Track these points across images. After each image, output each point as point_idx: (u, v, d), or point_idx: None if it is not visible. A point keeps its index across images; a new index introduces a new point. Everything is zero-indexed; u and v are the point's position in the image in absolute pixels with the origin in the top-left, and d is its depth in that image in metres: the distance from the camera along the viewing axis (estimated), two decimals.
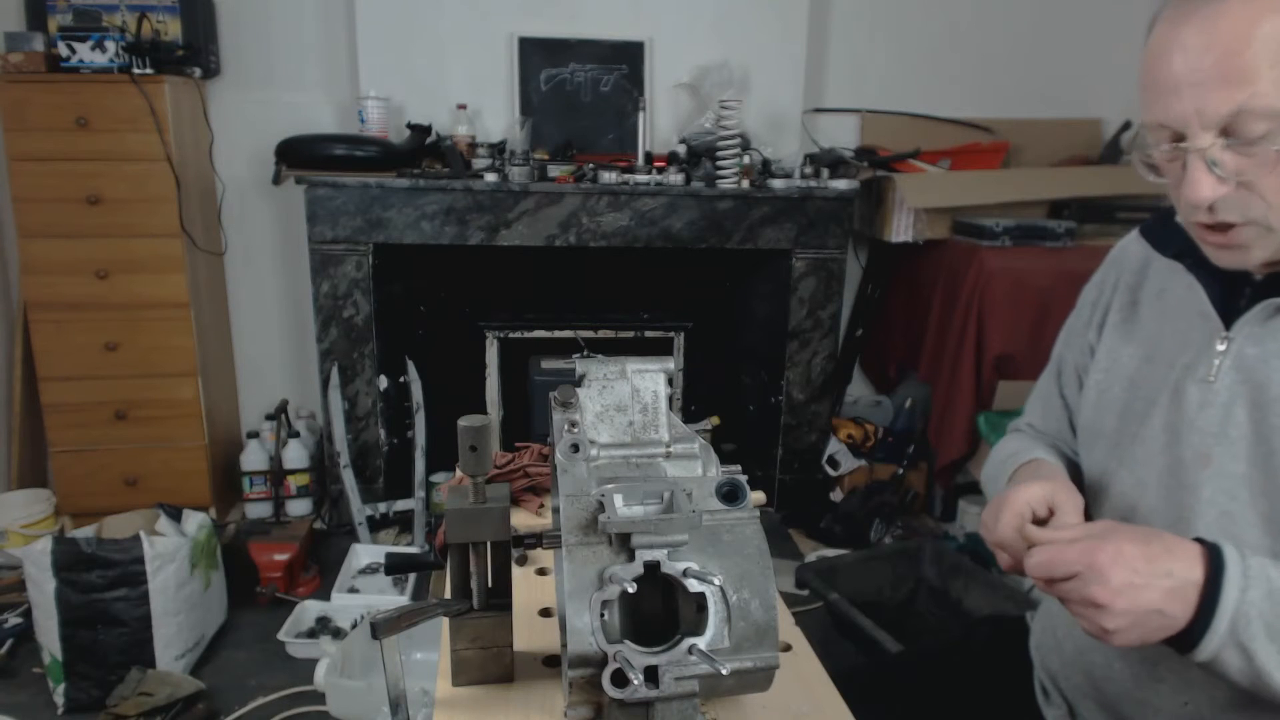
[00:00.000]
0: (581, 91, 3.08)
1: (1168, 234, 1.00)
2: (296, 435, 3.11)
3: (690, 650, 0.70)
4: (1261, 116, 0.77)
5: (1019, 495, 0.93)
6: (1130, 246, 1.08)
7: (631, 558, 0.70)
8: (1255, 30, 0.76)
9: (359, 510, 2.85)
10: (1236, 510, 0.87)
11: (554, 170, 2.85)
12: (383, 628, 0.80)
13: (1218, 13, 0.78)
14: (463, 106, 2.97)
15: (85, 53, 2.59)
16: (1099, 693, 1.01)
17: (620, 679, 0.69)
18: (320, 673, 2.07)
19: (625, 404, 0.80)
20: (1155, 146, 0.86)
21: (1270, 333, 0.88)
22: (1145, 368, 0.99)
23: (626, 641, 0.71)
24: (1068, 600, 0.82)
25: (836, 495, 3.17)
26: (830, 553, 2.80)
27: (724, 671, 0.69)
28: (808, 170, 2.95)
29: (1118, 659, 0.98)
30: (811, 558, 2.74)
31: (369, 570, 2.63)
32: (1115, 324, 1.05)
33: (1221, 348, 0.91)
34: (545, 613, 1.00)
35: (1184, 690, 0.92)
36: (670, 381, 0.84)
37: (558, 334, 2.95)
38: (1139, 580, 0.78)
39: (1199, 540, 0.81)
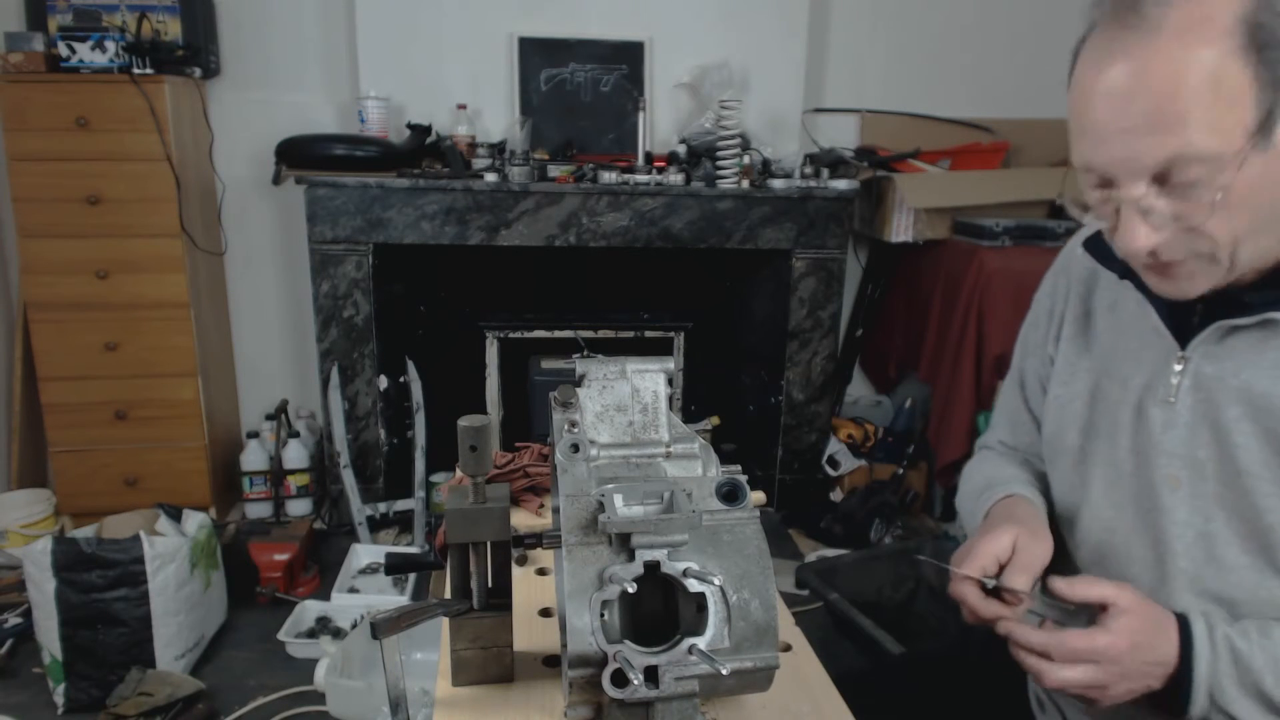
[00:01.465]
0: (581, 91, 3.07)
1: (1111, 249, 0.96)
2: (296, 435, 3.11)
3: (690, 650, 0.70)
4: (1195, 161, 0.74)
5: (983, 549, 0.93)
6: (1077, 252, 1.04)
7: (631, 558, 0.70)
8: (1185, 73, 0.73)
9: (359, 510, 2.85)
10: (1214, 530, 0.87)
11: (554, 170, 2.85)
12: (383, 628, 0.80)
13: (1144, 54, 0.74)
14: (463, 106, 2.97)
15: (85, 53, 2.59)
16: (1093, 706, 1.01)
17: (620, 679, 0.69)
18: (320, 673, 2.07)
19: (625, 404, 0.80)
20: (1086, 187, 0.83)
21: (1226, 351, 0.87)
22: (1104, 383, 0.98)
23: (626, 641, 0.71)
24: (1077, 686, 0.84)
25: (836, 495, 3.17)
26: (830, 553, 2.80)
27: (724, 671, 0.69)
28: (808, 170, 2.95)
29: None
30: (811, 558, 2.74)
31: (369, 570, 2.63)
32: (1070, 336, 1.03)
33: (1179, 368, 0.90)
34: (545, 613, 1.00)
35: (1180, 704, 0.92)
36: (670, 381, 0.84)
37: (558, 334, 2.95)
38: (1145, 666, 0.82)
39: (1174, 613, 0.85)
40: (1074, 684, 0.83)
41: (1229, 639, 0.82)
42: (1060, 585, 0.86)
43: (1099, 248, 0.98)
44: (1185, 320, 0.90)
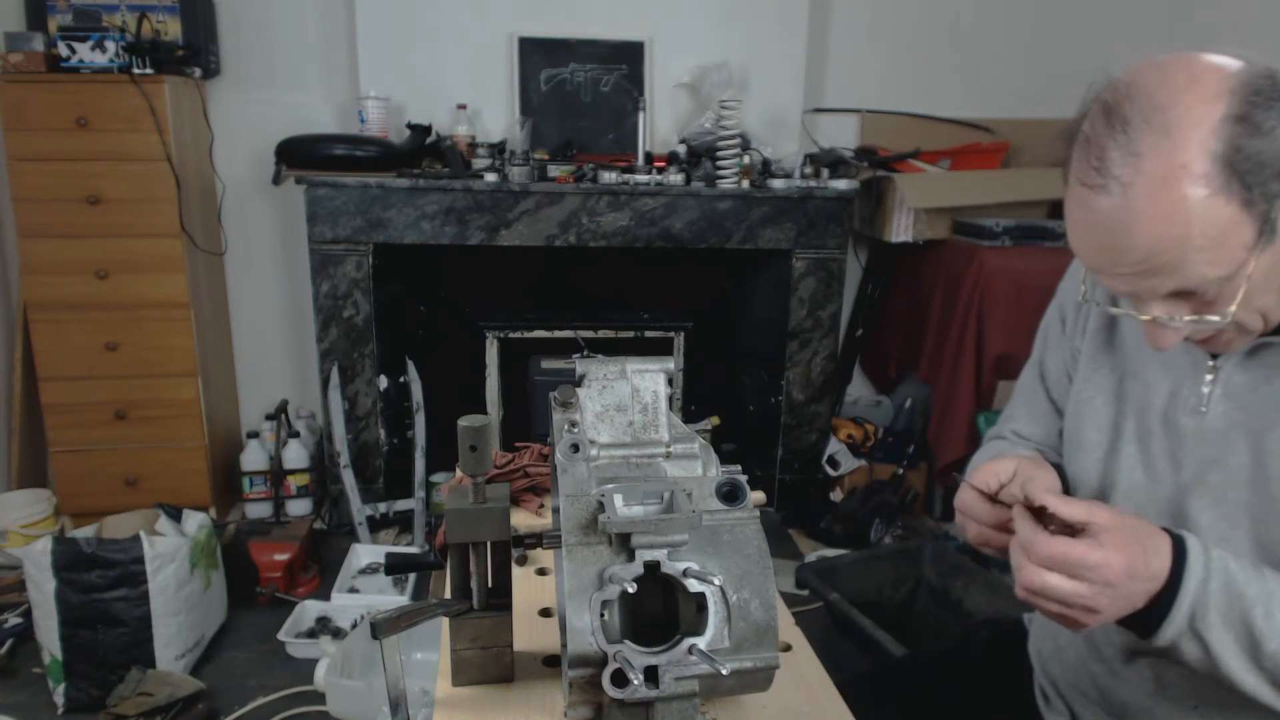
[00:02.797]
0: (581, 91, 3.07)
1: None
2: (296, 435, 3.11)
3: (690, 650, 0.70)
4: (1203, 284, 0.76)
5: (986, 467, 0.92)
6: None
7: (631, 558, 0.70)
8: (1169, 228, 0.72)
9: (359, 510, 2.85)
10: (1236, 537, 0.87)
11: (554, 170, 2.85)
12: (383, 628, 0.80)
13: (1124, 217, 0.74)
14: (463, 106, 2.97)
15: (85, 53, 2.59)
16: (1104, 699, 1.01)
17: (620, 679, 0.69)
18: (320, 673, 2.07)
19: (625, 404, 0.80)
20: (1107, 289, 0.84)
21: (1257, 362, 0.88)
22: (1128, 383, 0.98)
23: (626, 641, 0.71)
24: (1056, 599, 0.81)
25: (836, 495, 3.17)
26: (830, 553, 2.80)
27: (724, 671, 0.69)
28: (808, 170, 2.95)
29: (1124, 667, 0.98)
30: (811, 558, 2.74)
31: (369, 570, 2.63)
32: (1094, 330, 1.03)
33: (1209, 378, 0.90)
34: (545, 613, 1.00)
35: (1192, 694, 0.92)
36: (670, 381, 0.84)
37: (558, 334, 2.95)
38: (1135, 587, 0.79)
39: (1166, 530, 0.82)
40: (1057, 593, 0.78)
41: (1224, 561, 0.80)
42: (1027, 494, 0.84)
43: None
44: None
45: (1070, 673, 1.06)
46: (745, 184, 2.85)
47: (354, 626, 2.30)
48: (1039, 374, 1.14)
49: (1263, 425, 0.86)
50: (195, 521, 2.27)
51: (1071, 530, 0.80)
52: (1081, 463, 1.02)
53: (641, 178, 2.79)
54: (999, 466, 0.92)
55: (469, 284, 3.19)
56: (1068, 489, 1.04)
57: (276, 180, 2.87)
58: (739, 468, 0.79)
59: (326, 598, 2.46)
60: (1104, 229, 0.76)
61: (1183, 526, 0.90)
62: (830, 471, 3.17)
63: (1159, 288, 0.77)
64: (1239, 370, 0.89)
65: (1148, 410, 0.95)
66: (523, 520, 1.24)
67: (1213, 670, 0.81)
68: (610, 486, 0.74)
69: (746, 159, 2.89)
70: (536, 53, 3.02)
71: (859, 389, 3.61)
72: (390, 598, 2.50)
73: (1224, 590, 0.79)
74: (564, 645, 0.79)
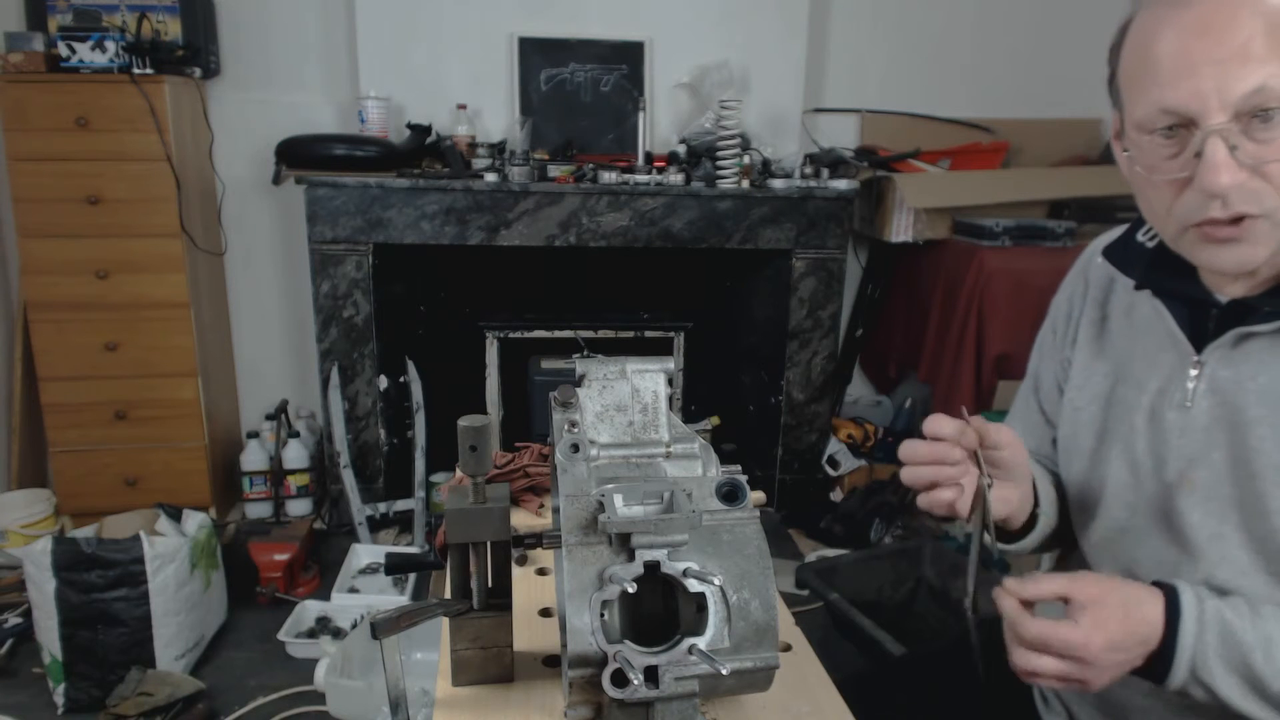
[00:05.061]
0: (581, 91, 3.07)
1: (1130, 256, 0.98)
2: (296, 435, 3.11)
3: (690, 650, 0.70)
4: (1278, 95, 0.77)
5: (935, 418, 0.89)
6: (1095, 259, 1.05)
7: (631, 558, 0.70)
8: (1274, 3, 0.76)
9: (359, 510, 2.85)
10: (1227, 533, 0.88)
11: (554, 170, 2.85)
12: (383, 628, 0.80)
13: None
14: (463, 106, 2.97)
15: (85, 53, 2.59)
16: (1101, 700, 1.01)
17: (620, 679, 0.69)
18: (320, 673, 2.07)
19: (625, 404, 0.80)
20: (1152, 146, 0.84)
21: (1242, 355, 0.88)
22: (1119, 388, 0.99)
23: (626, 641, 0.71)
24: (1050, 677, 0.82)
25: (836, 495, 3.17)
26: (830, 553, 2.80)
27: (724, 671, 0.69)
28: (808, 170, 2.95)
29: None
30: (811, 558, 2.74)
31: (369, 570, 2.63)
32: (1086, 340, 1.04)
33: (1194, 372, 0.90)
34: (545, 613, 1.00)
35: (1187, 696, 0.92)
36: (670, 381, 0.84)
37: (558, 334, 2.95)
38: (1122, 657, 0.81)
39: (1158, 584, 0.84)
40: (1047, 673, 0.81)
41: (1219, 611, 0.82)
42: (1013, 585, 0.84)
43: (1116, 254, 0.99)
44: (1201, 327, 0.91)
45: None
46: (745, 184, 2.85)
47: (354, 626, 2.30)
48: (1034, 386, 1.15)
49: (1245, 420, 0.86)
50: (195, 521, 2.27)
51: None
52: (1074, 467, 1.03)
53: (641, 178, 2.79)
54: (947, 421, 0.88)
55: (469, 284, 3.19)
56: (1063, 497, 1.05)
57: (276, 180, 2.87)
58: (739, 468, 0.79)
59: (326, 598, 2.46)
60: (1207, 9, 0.78)
61: (1174, 524, 0.91)
62: (830, 471, 3.17)
63: (1243, 82, 0.77)
64: (1223, 365, 0.89)
65: (1135, 410, 0.95)
66: (523, 520, 1.24)
67: (1224, 708, 0.83)
68: (610, 486, 0.74)
69: (746, 159, 2.89)
70: (536, 53, 3.02)
71: (859, 389, 3.61)
72: (390, 598, 2.50)
73: (1221, 641, 0.81)
74: (564, 645, 0.79)
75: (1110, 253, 1.00)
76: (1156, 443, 0.93)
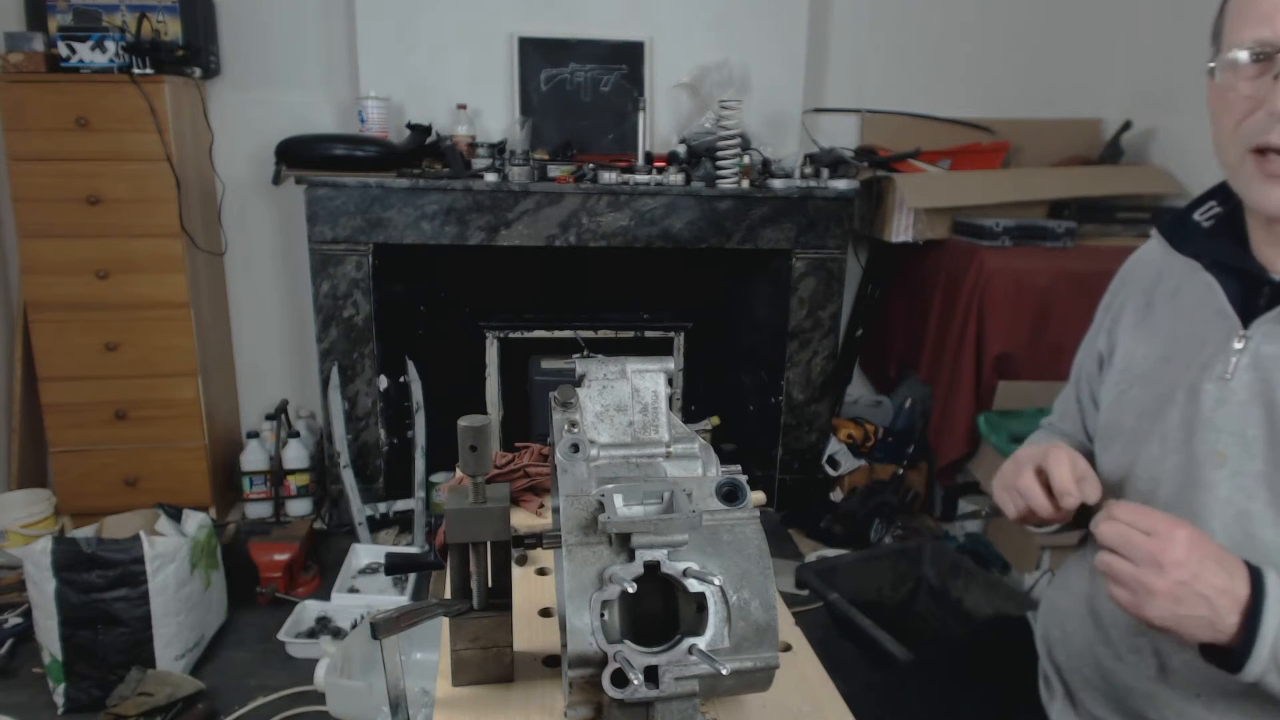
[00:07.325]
0: (581, 91, 3.07)
1: (1185, 232, 1.00)
2: (296, 435, 3.11)
3: (690, 650, 0.70)
4: None
5: (1056, 455, 0.96)
6: (1142, 256, 1.09)
7: (631, 558, 0.70)
8: None
9: (359, 510, 2.85)
10: (1255, 509, 0.87)
11: (554, 170, 2.85)
12: (383, 628, 0.80)
13: None
14: (463, 106, 2.97)
15: (85, 53, 2.59)
16: (1106, 684, 1.01)
17: (620, 679, 0.69)
18: (320, 673, 2.07)
19: (625, 404, 0.80)
20: (1238, 79, 0.87)
21: None
22: (1162, 367, 0.99)
23: (626, 641, 0.71)
24: (1118, 577, 0.82)
25: (836, 495, 3.17)
26: (830, 553, 2.80)
27: (724, 671, 0.69)
28: (808, 170, 2.95)
29: (1129, 652, 0.98)
30: (811, 558, 2.74)
31: (369, 570, 2.63)
32: (1130, 326, 1.06)
33: (1239, 345, 0.91)
34: (545, 613, 1.00)
35: (1195, 682, 0.92)
36: (670, 381, 0.84)
37: (558, 334, 2.95)
38: (1195, 580, 0.79)
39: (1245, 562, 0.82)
40: (1122, 547, 0.81)
41: None
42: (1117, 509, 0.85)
43: (1170, 229, 1.03)
44: (1252, 303, 0.92)
45: (1075, 658, 1.06)
46: (745, 184, 2.85)
47: (354, 626, 2.30)
48: (1076, 376, 1.19)
49: None
50: (195, 521, 2.27)
51: None
52: (1113, 448, 1.04)
53: (641, 178, 2.79)
54: (1075, 465, 0.95)
55: (469, 284, 3.19)
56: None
57: (276, 180, 2.87)
58: (739, 468, 0.79)
59: (326, 598, 2.46)
60: None
61: (1199, 497, 0.91)
62: (830, 471, 3.17)
63: None
64: (1268, 341, 0.89)
65: (1177, 387, 0.96)
66: (523, 520, 1.24)
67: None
68: (610, 486, 0.74)
69: (746, 159, 2.89)
70: (536, 53, 3.02)
71: (859, 389, 3.61)
72: (390, 598, 2.50)
73: None
74: (564, 645, 0.79)
75: (1164, 227, 1.03)
76: (1190, 414, 0.93)
